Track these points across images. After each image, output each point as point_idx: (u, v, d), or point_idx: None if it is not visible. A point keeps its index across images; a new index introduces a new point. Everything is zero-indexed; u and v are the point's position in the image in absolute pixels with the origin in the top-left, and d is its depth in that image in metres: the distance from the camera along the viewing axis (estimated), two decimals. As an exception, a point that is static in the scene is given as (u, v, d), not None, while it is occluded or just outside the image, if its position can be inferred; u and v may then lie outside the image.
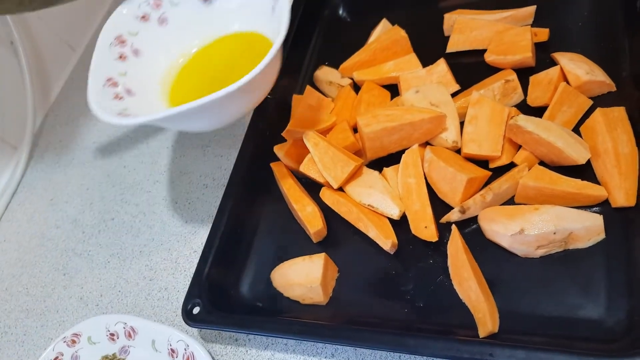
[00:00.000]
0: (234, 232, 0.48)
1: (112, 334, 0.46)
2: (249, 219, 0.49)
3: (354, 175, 0.45)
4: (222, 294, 0.45)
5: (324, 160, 0.45)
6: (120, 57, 0.47)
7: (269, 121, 0.53)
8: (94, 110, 0.42)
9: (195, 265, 0.46)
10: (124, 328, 0.46)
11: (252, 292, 0.45)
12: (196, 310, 0.43)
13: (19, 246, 0.59)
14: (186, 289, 0.45)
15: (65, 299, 0.53)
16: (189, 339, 0.43)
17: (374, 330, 0.39)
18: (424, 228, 0.42)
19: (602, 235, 0.38)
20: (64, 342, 0.47)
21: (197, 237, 0.51)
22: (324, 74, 0.54)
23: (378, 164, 0.46)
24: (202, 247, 0.47)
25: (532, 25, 0.49)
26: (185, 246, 0.51)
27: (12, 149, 0.65)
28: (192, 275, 0.46)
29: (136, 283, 0.51)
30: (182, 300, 0.44)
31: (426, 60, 0.50)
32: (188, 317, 0.43)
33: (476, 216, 0.42)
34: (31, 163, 0.66)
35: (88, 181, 0.61)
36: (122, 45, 0.48)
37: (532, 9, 0.49)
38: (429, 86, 0.47)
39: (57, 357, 0.46)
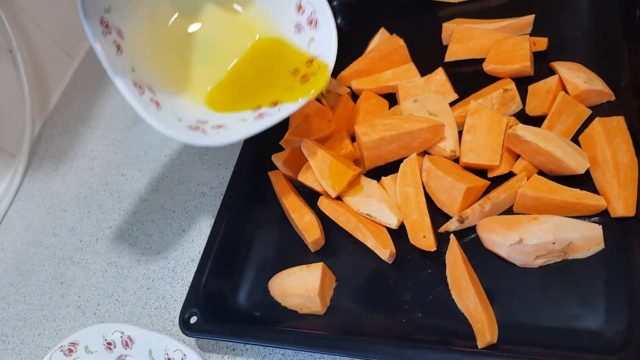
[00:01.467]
0: (231, 241, 0.47)
1: (109, 343, 0.46)
2: (246, 228, 0.49)
3: (352, 184, 0.45)
4: (220, 303, 0.45)
5: (322, 169, 0.45)
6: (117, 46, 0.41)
7: (267, 130, 0.52)
8: (164, 131, 0.38)
9: (193, 274, 0.46)
10: (121, 337, 0.46)
11: (250, 301, 0.45)
12: (193, 319, 0.43)
13: (17, 254, 0.59)
14: (183, 298, 0.45)
15: (62, 308, 0.53)
16: (186, 349, 0.43)
17: (372, 340, 0.39)
18: (423, 237, 0.42)
19: (602, 246, 0.38)
20: (61, 351, 0.46)
21: (194, 246, 0.51)
22: (323, 82, 0.54)
23: (376, 173, 0.46)
24: (199, 256, 0.47)
25: (531, 35, 0.49)
26: (182, 255, 0.51)
27: (10, 157, 0.65)
28: (189, 284, 0.46)
29: (133, 292, 0.51)
30: (180, 309, 0.44)
31: (424, 69, 0.50)
32: (185, 326, 0.43)
33: (475, 226, 0.42)
34: (29, 171, 0.65)
35: (86, 189, 0.61)
36: (108, 30, 0.41)
37: (530, 18, 0.49)
38: (427, 95, 0.47)
39: (53, 367, 0.46)
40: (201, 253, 0.47)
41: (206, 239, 0.47)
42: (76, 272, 0.55)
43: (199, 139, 0.39)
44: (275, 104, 0.42)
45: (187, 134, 0.39)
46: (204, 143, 0.40)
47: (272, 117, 0.41)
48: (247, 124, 0.41)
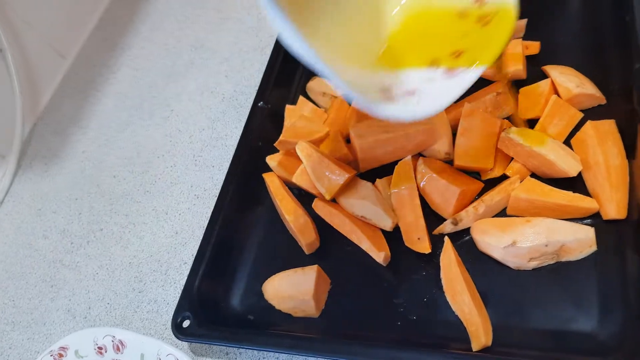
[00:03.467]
0: (225, 244, 0.47)
1: (100, 348, 0.45)
2: (240, 230, 0.48)
3: (346, 186, 0.45)
4: (213, 306, 0.44)
5: (316, 171, 0.45)
6: None
7: (262, 132, 0.53)
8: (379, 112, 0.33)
9: (186, 277, 0.45)
10: (113, 341, 0.45)
11: (243, 304, 0.45)
12: (186, 323, 0.43)
13: (6, 257, 0.58)
14: (176, 302, 0.44)
15: (52, 311, 0.52)
16: (179, 353, 0.42)
17: (367, 343, 0.39)
18: (417, 240, 0.42)
19: (594, 248, 0.38)
20: (51, 355, 0.46)
21: (187, 249, 0.51)
22: (317, 84, 0.54)
23: (371, 175, 0.46)
24: (192, 259, 0.46)
25: (524, 39, 0.50)
26: (175, 258, 0.51)
27: (0, 157, 0.64)
28: (182, 288, 0.45)
29: (125, 295, 0.50)
30: (172, 313, 0.44)
31: (419, 72, 0.50)
32: (178, 330, 0.43)
33: (469, 228, 0.42)
34: (19, 172, 0.65)
35: (77, 191, 0.60)
36: None
37: (523, 22, 0.50)
38: (422, 98, 0.47)
39: (43, 372, 0.45)
40: (194, 256, 0.46)
41: (199, 242, 0.47)
42: (66, 275, 0.54)
43: (407, 111, 0.34)
44: (458, 54, 0.36)
45: (393, 108, 0.34)
46: (416, 115, 0.34)
47: (467, 74, 0.35)
48: (440, 84, 0.36)
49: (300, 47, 0.31)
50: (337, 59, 0.37)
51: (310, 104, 0.52)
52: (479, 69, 0.35)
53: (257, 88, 0.55)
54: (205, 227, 0.48)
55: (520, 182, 0.41)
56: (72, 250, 0.55)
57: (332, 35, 0.38)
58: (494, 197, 0.41)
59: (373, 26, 0.40)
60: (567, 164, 0.40)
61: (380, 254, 0.42)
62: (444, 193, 0.42)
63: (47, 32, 0.69)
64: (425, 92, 0.36)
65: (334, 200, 0.46)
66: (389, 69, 0.38)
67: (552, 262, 0.39)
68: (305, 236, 0.45)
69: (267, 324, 0.43)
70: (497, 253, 0.40)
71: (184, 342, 0.45)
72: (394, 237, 0.43)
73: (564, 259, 0.39)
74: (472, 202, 0.42)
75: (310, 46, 0.31)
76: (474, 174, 0.44)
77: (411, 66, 0.38)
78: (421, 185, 0.44)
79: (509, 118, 0.46)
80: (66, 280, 0.54)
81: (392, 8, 0.40)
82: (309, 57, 0.31)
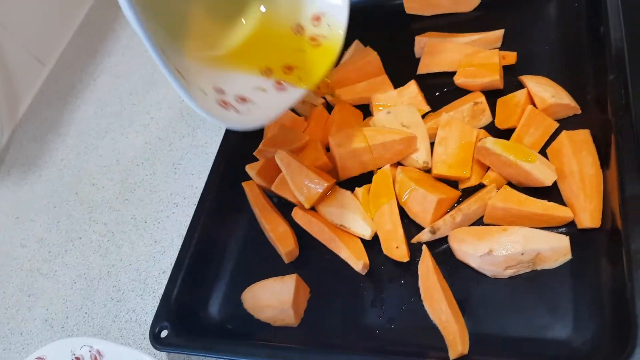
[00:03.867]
0: (204, 252, 0.47)
1: (77, 358, 0.45)
2: (219, 239, 0.48)
3: (326, 195, 0.45)
4: (191, 316, 0.44)
5: (296, 180, 0.45)
6: None
7: (242, 140, 0.53)
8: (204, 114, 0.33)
9: (164, 287, 0.45)
10: (90, 352, 0.45)
11: (222, 314, 0.45)
12: (164, 333, 0.43)
13: (-18, 266, 0.57)
14: (154, 311, 0.44)
15: (29, 321, 0.51)
16: (157, 363, 0.42)
17: (346, 352, 0.39)
18: (396, 248, 0.42)
19: (569, 256, 0.39)
20: (27, 367, 0.45)
21: (166, 258, 0.51)
22: (298, 92, 0.54)
23: (350, 184, 0.46)
24: (171, 268, 0.46)
25: (500, 49, 0.50)
26: (154, 266, 0.50)
27: (-23, 165, 0.63)
28: (160, 297, 0.45)
29: (103, 304, 0.50)
30: (151, 323, 0.43)
31: (398, 81, 0.51)
32: (156, 340, 0.42)
33: (446, 236, 0.42)
34: (-4, 180, 0.64)
35: (55, 199, 0.59)
36: None
37: (500, 32, 0.51)
38: (400, 107, 0.47)
39: (17, 384, 0.44)
40: (173, 265, 0.46)
41: (178, 250, 0.47)
42: (44, 284, 0.53)
43: (237, 118, 0.35)
44: (289, 69, 0.38)
45: (222, 114, 0.34)
46: (246, 124, 0.35)
47: (294, 92, 0.37)
48: (271, 96, 0.38)
49: (136, 27, 0.30)
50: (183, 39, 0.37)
51: (290, 112, 0.52)
52: (303, 89, 0.37)
53: (238, 96, 0.55)
54: (184, 236, 0.48)
55: (497, 191, 0.42)
56: (50, 259, 0.55)
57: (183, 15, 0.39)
58: (471, 205, 0.42)
59: (223, 24, 0.41)
60: (543, 174, 0.41)
61: (359, 263, 0.42)
62: (422, 202, 0.42)
63: (26, 38, 0.68)
64: (256, 102, 0.37)
65: (313, 209, 0.46)
66: (227, 68, 0.39)
67: (527, 270, 0.40)
68: (285, 245, 0.45)
69: (246, 334, 0.43)
70: (474, 261, 0.40)
71: (162, 352, 0.44)
72: (373, 245, 0.43)
73: (539, 267, 0.39)
74: (449, 210, 0.43)
75: (150, 30, 0.30)
76: (452, 182, 0.44)
77: (246, 69, 0.39)
78: (400, 194, 0.44)
79: (486, 127, 0.46)
80: (44, 289, 0.53)
81: (246, 14, 0.41)
82: (148, 45, 0.30)
